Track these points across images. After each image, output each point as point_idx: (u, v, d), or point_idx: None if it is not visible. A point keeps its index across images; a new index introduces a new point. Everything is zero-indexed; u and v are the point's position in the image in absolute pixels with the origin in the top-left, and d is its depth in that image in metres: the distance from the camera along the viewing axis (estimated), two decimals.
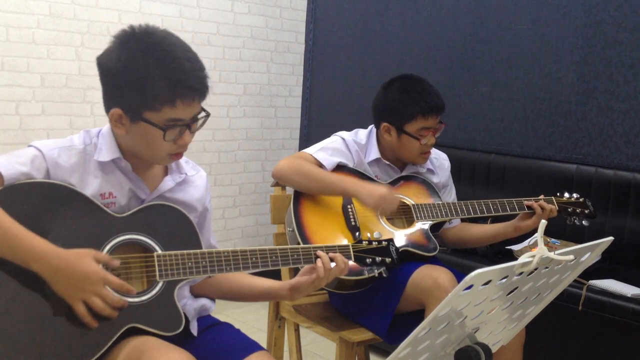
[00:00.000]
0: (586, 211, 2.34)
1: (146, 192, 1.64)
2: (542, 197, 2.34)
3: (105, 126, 1.64)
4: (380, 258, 1.78)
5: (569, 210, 2.34)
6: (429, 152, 2.36)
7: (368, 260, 1.78)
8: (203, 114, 1.59)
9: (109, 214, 1.55)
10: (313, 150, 2.29)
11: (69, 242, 1.47)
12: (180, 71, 1.50)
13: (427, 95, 2.27)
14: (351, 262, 1.76)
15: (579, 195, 2.38)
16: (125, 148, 1.61)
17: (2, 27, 3.26)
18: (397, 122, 2.29)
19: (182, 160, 1.74)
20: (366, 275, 1.92)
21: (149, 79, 1.49)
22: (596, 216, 2.38)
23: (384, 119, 2.32)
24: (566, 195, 2.37)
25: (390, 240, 1.82)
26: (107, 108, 1.57)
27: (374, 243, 1.80)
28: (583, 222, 2.34)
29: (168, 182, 1.67)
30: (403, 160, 2.37)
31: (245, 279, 1.79)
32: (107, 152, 1.59)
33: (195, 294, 1.78)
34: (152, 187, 1.65)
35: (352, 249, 1.77)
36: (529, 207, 2.29)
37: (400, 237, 2.22)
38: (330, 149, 2.30)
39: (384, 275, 1.83)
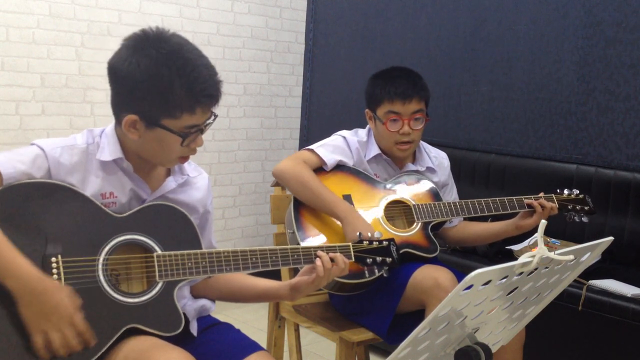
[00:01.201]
0: (586, 207, 2.35)
1: (147, 193, 1.64)
2: (542, 194, 2.34)
3: (109, 126, 1.64)
4: (380, 258, 1.78)
5: (569, 207, 2.35)
6: (405, 144, 2.29)
7: (369, 260, 1.77)
8: (213, 117, 1.60)
9: (109, 214, 1.55)
10: (314, 146, 2.30)
11: (69, 243, 1.48)
12: (201, 80, 1.52)
13: (396, 80, 2.28)
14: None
15: (578, 192, 2.38)
16: (131, 150, 1.61)
17: (2, 27, 3.26)
18: (372, 107, 2.33)
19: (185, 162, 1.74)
20: (367, 278, 1.92)
21: (171, 89, 1.50)
22: (596, 212, 2.38)
23: (366, 106, 2.37)
24: (566, 192, 2.38)
25: (391, 240, 1.81)
26: (118, 112, 1.57)
27: (374, 243, 1.79)
28: (583, 218, 2.35)
29: (170, 183, 1.68)
30: (384, 150, 2.34)
31: (245, 279, 1.79)
32: (109, 151, 1.59)
33: (195, 295, 1.78)
34: (154, 188, 1.66)
35: (353, 248, 1.77)
36: (529, 206, 2.29)
37: (401, 239, 2.21)
38: (332, 146, 2.30)
39: (385, 275, 1.83)
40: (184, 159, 1.63)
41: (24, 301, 1.39)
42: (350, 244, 1.77)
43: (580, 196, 2.37)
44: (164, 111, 1.52)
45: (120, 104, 1.57)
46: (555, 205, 2.30)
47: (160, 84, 1.50)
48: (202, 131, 1.59)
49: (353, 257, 1.76)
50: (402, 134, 2.27)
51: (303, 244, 2.11)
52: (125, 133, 1.57)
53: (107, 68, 1.57)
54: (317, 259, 1.68)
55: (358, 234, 2.15)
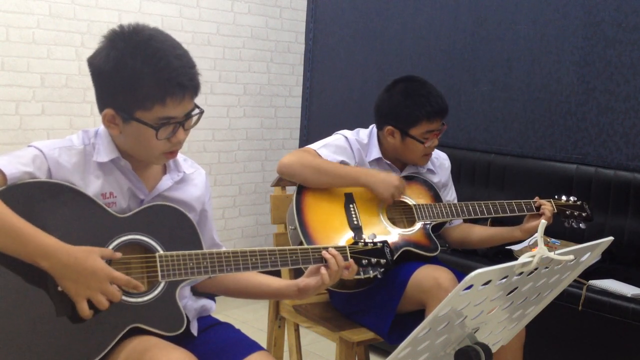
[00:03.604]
0: (584, 214, 2.37)
1: (144, 192, 1.64)
2: (537, 199, 2.35)
3: (102, 126, 1.63)
4: (375, 259, 1.80)
5: (567, 212, 2.36)
6: (430, 154, 2.37)
7: (364, 262, 1.79)
8: (197, 110, 1.58)
9: (112, 214, 1.55)
10: (316, 146, 2.30)
11: (72, 242, 1.47)
12: (169, 69, 1.49)
13: (431, 99, 2.26)
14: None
15: (576, 198, 2.39)
16: (122, 148, 1.61)
17: (2, 27, 3.26)
18: (402, 126, 2.29)
19: (181, 159, 1.74)
20: (362, 277, 1.93)
21: (138, 79, 1.49)
22: (593, 219, 2.39)
23: (387, 122, 2.31)
24: (564, 198, 2.39)
25: (384, 242, 1.83)
26: (100, 108, 1.57)
27: (369, 244, 1.81)
28: (580, 225, 2.36)
29: (166, 181, 1.67)
30: (405, 161, 2.38)
31: (253, 277, 1.79)
32: (105, 152, 1.59)
33: (200, 289, 1.78)
34: (151, 187, 1.65)
35: (349, 250, 1.78)
36: (537, 208, 2.31)
37: (402, 237, 2.22)
38: (334, 146, 2.30)
39: (379, 276, 1.85)
40: (170, 154, 1.60)
41: (61, 276, 1.43)
42: (347, 245, 1.79)
43: (578, 202, 2.38)
44: (135, 103, 1.50)
45: (99, 99, 1.57)
46: (552, 209, 2.32)
47: (127, 74, 1.49)
48: (182, 125, 1.56)
49: (349, 259, 1.77)
50: (431, 147, 2.31)
51: (305, 241, 2.12)
52: (106, 129, 1.57)
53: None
54: (325, 265, 1.69)
55: (353, 235, 2.16)
